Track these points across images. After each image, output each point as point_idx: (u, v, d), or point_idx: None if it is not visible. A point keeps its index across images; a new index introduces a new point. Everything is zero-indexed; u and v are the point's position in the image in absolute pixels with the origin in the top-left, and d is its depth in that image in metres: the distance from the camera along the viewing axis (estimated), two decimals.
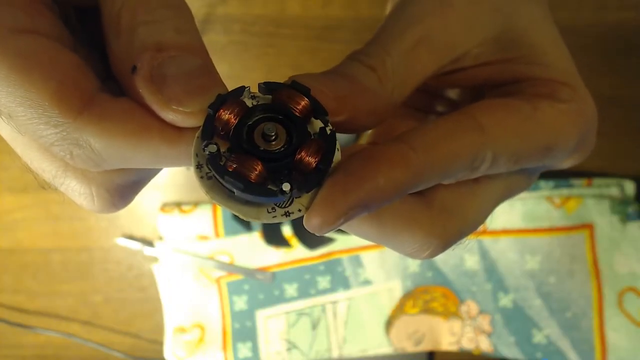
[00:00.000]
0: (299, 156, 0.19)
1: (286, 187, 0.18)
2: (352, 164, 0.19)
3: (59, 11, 0.21)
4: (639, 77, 0.59)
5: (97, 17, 0.21)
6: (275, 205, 0.19)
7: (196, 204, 0.61)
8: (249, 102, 0.20)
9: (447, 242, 0.22)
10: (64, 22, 0.20)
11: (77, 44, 0.21)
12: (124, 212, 0.61)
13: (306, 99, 0.19)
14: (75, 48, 0.20)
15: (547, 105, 0.22)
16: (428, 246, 0.22)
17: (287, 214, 0.19)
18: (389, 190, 0.19)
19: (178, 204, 0.61)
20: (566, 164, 0.25)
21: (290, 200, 0.19)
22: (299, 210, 0.19)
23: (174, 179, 0.61)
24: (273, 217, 0.19)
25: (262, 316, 0.61)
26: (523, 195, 0.58)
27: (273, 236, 0.60)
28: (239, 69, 0.60)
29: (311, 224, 0.19)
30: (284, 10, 0.59)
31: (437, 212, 0.22)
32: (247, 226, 0.60)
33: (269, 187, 0.18)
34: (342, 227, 0.20)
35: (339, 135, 0.20)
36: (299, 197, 0.19)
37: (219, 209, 0.60)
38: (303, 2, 0.59)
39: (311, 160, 0.19)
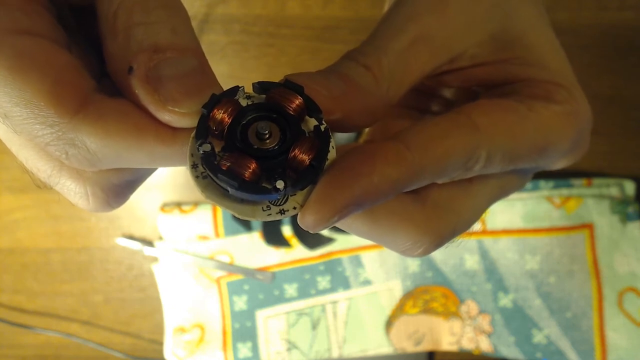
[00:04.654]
0: (293, 154, 0.19)
1: (280, 184, 0.18)
2: (347, 162, 0.19)
3: (55, 11, 0.21)
4: (638, 77, 0.59)
5: (93, 17, 0.21)
6: (270, 203, 0.19)
7: (196, 204, 0.61)
8: (243, 102, 0.20)
9: (440, 240, 0.22)
10: (59, 22, 0.21)
11: (72, 44, 0.21)
12: (124, 212, 0.62)
13: (300, 97, 0.19)
14: (71, 48, 0.20)
15: (542, 106, 0.22)
16: (421, 244, 0.22)
17: (282, 212, 0.19)
18: (383, 188, 0.19)
19: (178, 204, 0.61)
20: (560, 164, 0.25)
21: (285, 198, 0.19)
22: (294, 208, 0.19)
23: (174, 179, 0.61)
24: (268, 215, 0.19)
25: (262, 316, 0.61)
26: (523, 195, 0.58)
27: (273, 236, 0.60)
28: (238, 69, 0.60)
29: (305, 221, 0.19)
30: (284, 10, 0.59)
31: (430, 211, 0.22)
32: (247, 226, 0.61)
33: (263, 185, 0.19)
34: (335, 224, 0.20)
35: (338, 136, 0.20)
36: (294, 194, 0.19)
37: (219, 209, 0.60)
38: (303, 2, 0.59)
39: (305, 158, 0.19)
